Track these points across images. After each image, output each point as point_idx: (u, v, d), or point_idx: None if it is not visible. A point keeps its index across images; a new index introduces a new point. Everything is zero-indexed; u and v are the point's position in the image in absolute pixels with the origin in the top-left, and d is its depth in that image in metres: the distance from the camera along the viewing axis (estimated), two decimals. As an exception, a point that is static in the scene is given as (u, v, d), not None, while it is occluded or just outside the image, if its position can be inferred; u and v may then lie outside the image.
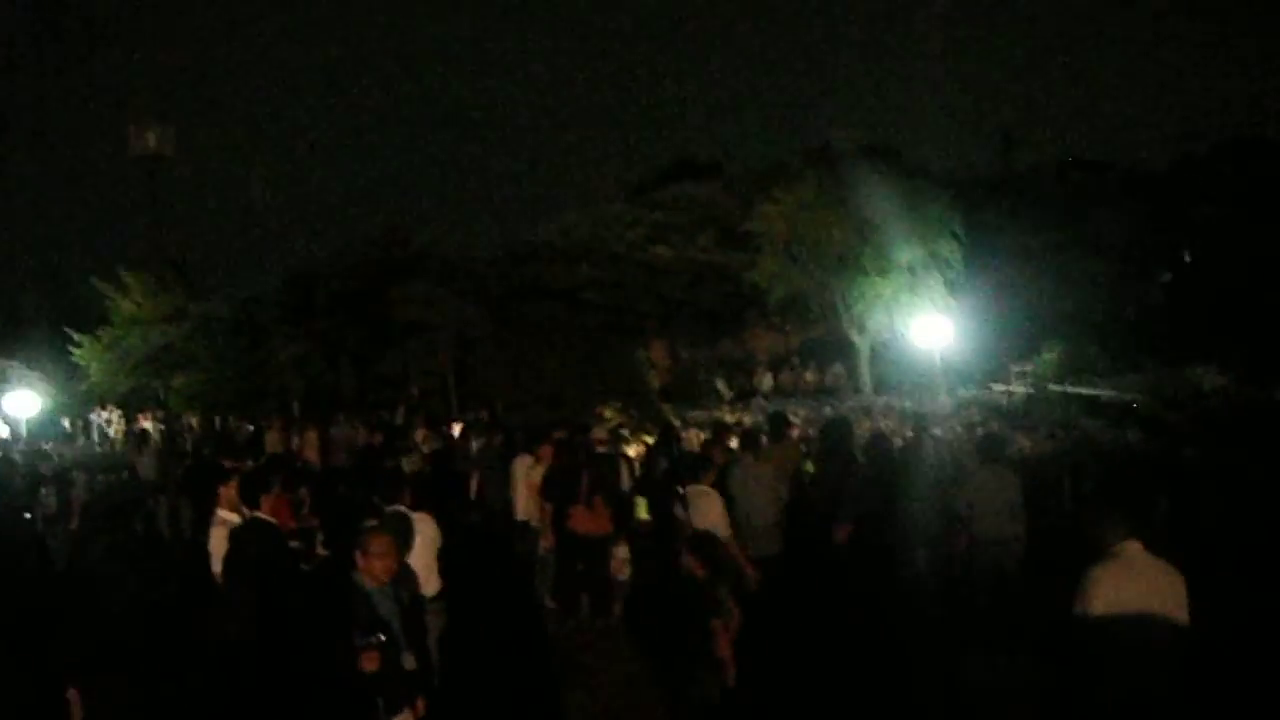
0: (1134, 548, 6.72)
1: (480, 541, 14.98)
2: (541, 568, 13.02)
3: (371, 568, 6.92)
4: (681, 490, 10.95)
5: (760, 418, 27.66)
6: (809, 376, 38.28)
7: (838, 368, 37.74)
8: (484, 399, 32.16)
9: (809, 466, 13.95)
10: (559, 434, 14.42)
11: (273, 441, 24.43)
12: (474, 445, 18.79)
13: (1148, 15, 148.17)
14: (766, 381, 38.29)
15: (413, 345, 37.44)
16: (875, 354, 36.37)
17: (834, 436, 13.53)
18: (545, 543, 12.82)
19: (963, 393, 32.04)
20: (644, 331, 35.88)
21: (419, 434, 21.05)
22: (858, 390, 35.75)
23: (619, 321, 34.58)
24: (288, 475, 11.17)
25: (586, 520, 11.81)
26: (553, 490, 12.54)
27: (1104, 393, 29.19)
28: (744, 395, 36.42)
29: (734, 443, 13.61)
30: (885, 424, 23.94)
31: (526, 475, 13.74)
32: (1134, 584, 6.60)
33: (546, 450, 13.42)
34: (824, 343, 39.65)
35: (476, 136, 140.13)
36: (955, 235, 34.69)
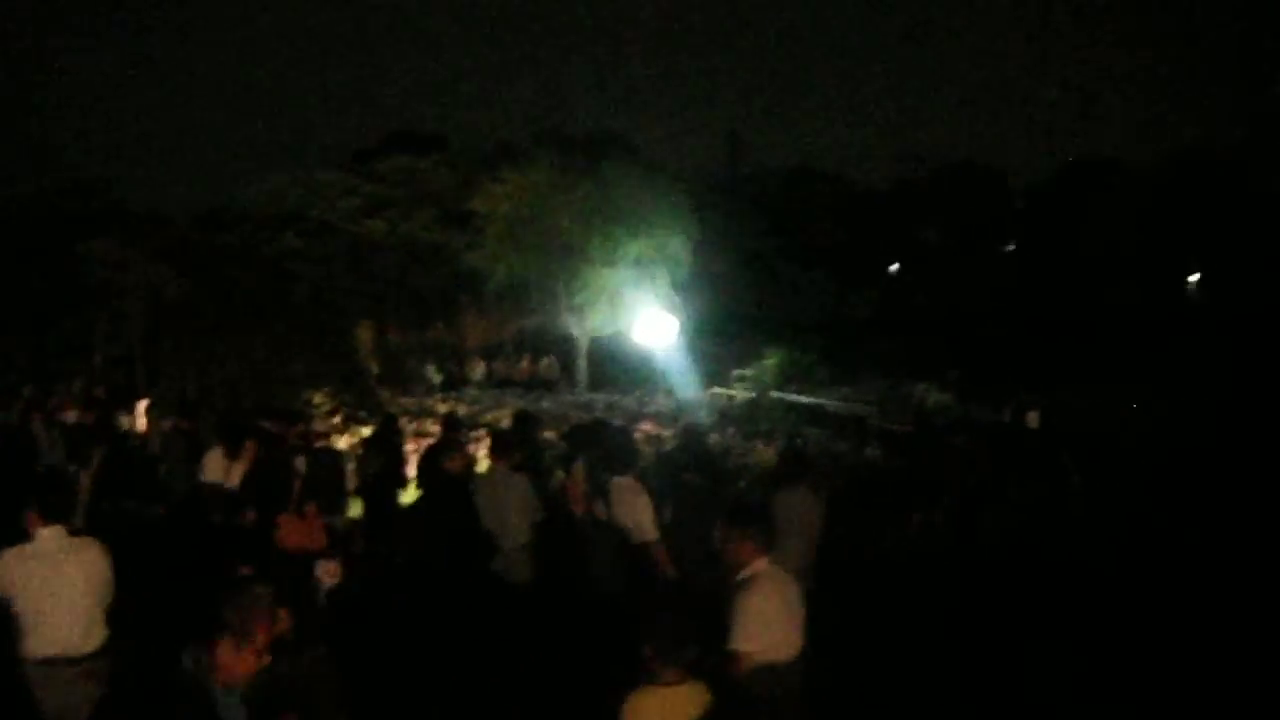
0: (765, 566, 6.47)
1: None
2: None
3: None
4: (606, 484, 9.15)
5: (470, 410, 25.93)
6: (523, 367, 36.65)
7: (552, 360, 36.24)
8: (176, 375, 28.85)
9: (560, 475, 12.13)
10: (266, 424, 12.06)
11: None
12: (161, 428, 16.28)
13: (875, 38, 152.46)
14: (479, 370, 36.44)
15: (98, 310, 33.80)
16: (593, 348, 34.98)
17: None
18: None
19: (684, 394, 30.91)
20: (352, 310, 33.47)
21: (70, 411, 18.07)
22: (574, 384, 34.28)
23: (327, 297, 32.10)
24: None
25: (297, 532, 9.55)
26: (255, 494, 10.27)
27: (828, 402, 28.67)
28: (455, 384, 34.48)
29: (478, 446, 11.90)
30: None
31: (224, 473, 11.25)
32: (771, 603, 6.33)
33: (249, 445, 11.06)
34: (539, 333, 38.14)
35: (180, 88, 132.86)
36: (686, 233, 33.57)
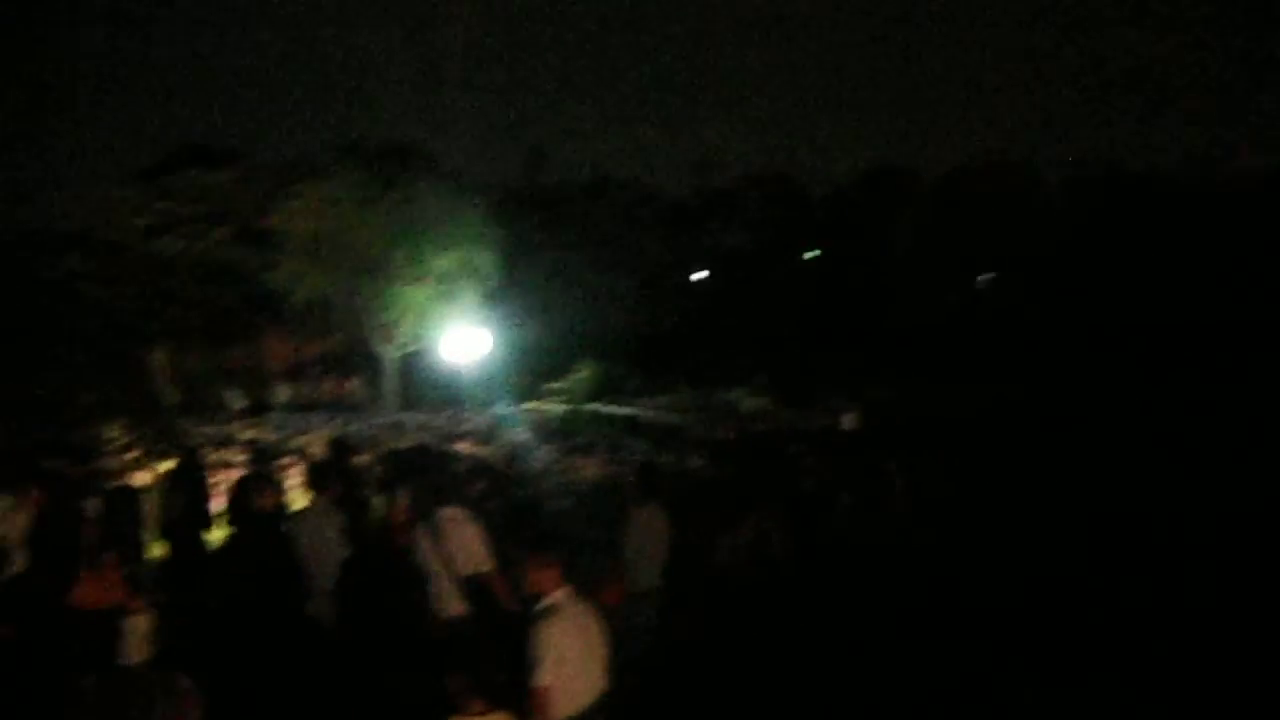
0: (565, 596, 6.32)
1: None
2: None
3: None
4: (433, 514, 8.49)
5: (277, 436, 24.93)
6: (327, 388, 35.54)
7: (360, 380, 35.24)
8: None
9: (377, 504, 11.41)
10: (52, 463, 10.96)
11: None
12: None
13: (673, 46, 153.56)
14: (283, 394, 35.19)
15: None
16: (401, 367, 34.08)
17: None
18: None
19: (498, 410, 30.31)
20: (147, 334, 31.85)
21: None
22: (382, 405, 33.33)
23: (119, 321, 30.47)
24: None
25: (93, 589, 8.58)
26: (43, 546, 9.27)
27: (643, 412, 28.45)
28: (258, 409, 33.14)
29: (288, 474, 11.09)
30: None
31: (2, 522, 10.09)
32: (570, 637, 6.14)
33: (32, 491, 9.93)
34: (343, 353, 37.03)
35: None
36: (494, 247, 32.94)
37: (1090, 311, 32.61)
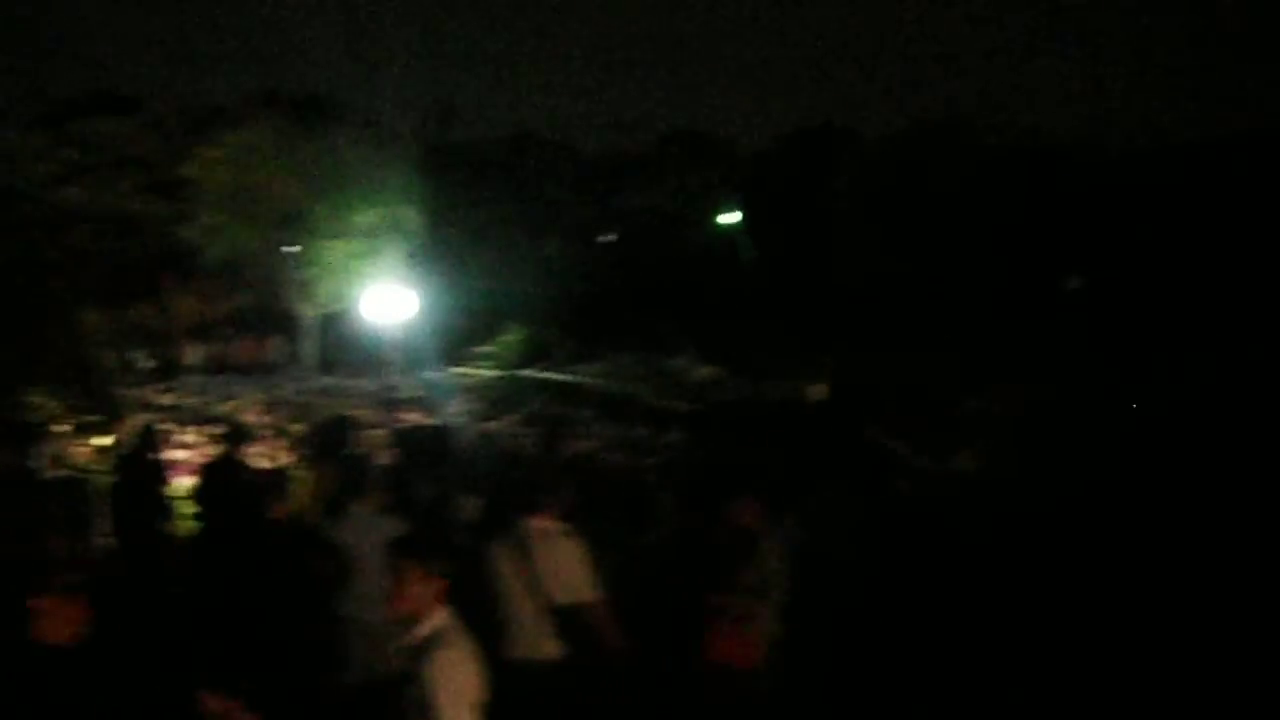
0: (448, 618, 5.26)
1: None
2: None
3: None
4: (516, 525, 7.07)
5: (198, 400, 23.48)
6: (242, 349, 33.96)
7: (277, 340, 33.71)
8: None
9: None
10: None
11: None
12: None
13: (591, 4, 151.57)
14: (193, 354, 33.52)
15: None
16: (321, 328, 32.60)
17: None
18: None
19: (425, 375, 29.08)
20: (52, 290, 29.93)
21: None
22: (301, 368, 31.87)
23: (27, 275, 28.61)
24: None
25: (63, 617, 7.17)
26: None
27: (585, 380, 27.35)
28: (167, 370, 31.47)
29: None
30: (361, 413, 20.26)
31: None
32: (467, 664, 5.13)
33: None
34: (257, 311, 35.38)
35: None
36: (418, 203, 31.58)
37: (1043, 271, 32.06)
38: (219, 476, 10.07)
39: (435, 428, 14.00)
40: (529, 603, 7.05)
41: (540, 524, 7.20)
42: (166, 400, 23.18)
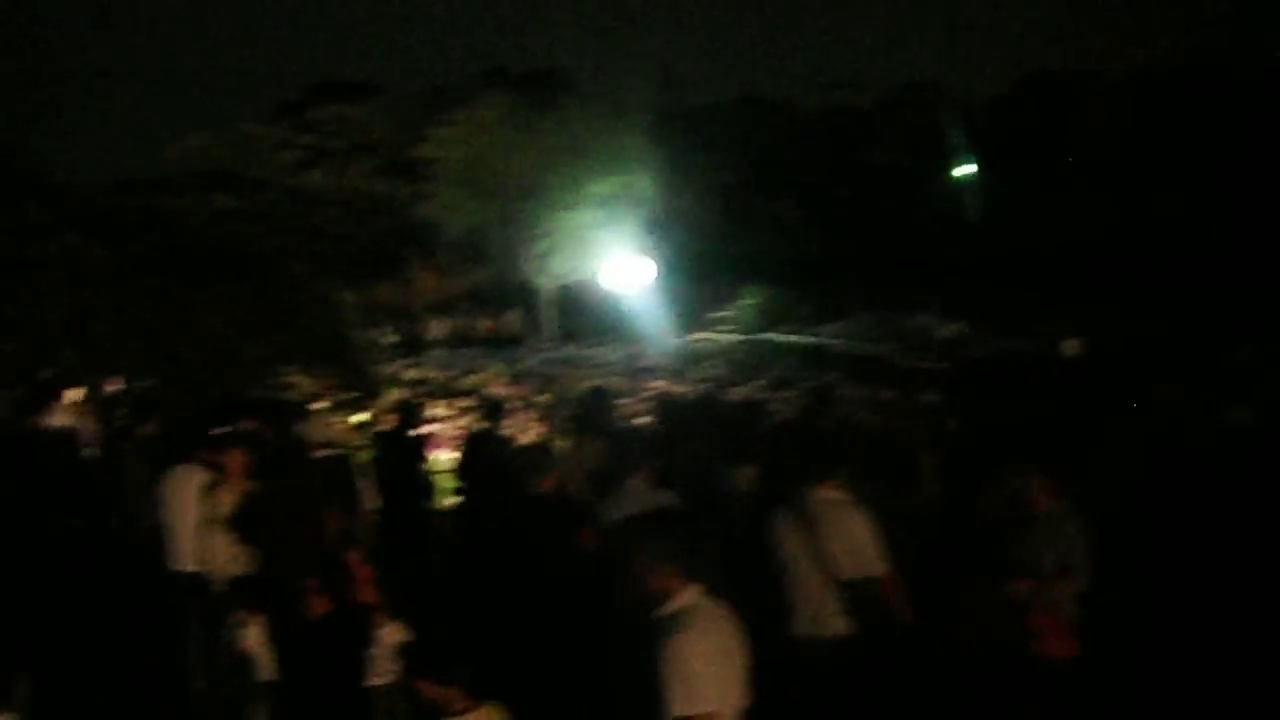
0: (695, 597, 4.80)
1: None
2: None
3: None
4: (802, 495, 6.64)
5: (444, 375, 23.63)
6: (481, 323, 34.43)
7: (515, 313, 34.03)
8: (110, 361, 25.41)
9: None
10: (249, 423, 9.18)
11: None
12: (97, 428, 13.57)
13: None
14: (435, 329, 34.12)
15: (13, 290, 30.87)
16: (559, 298, 32.77)
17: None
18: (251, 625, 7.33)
19: (666, 342, 28.82)
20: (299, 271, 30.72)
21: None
22: (541, 338, 32.10)
23: (278, 258, 29.49)
24: None
25: (360, 588, 6.99)
26: (262, 531, 7.67)
27: (827, 341, 26.68)
28: (411, 345, 32.04)
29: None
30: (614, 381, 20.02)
31: (200, 498, 8.33)
32: (706, 646, 4.65)
33: (235, 456, 8.13)
34: (495, 285, 35.80)
35: (81, 45, 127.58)
36: (651, 170, 31.40)
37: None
38: (479, 451, 9.87)
39: (697, 396, 13.55)
40: (815, 577, 6.57)
41: (826, 494, 6.67)
42: (413, 375, 23.42)
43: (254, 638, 7.44)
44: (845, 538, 6.49)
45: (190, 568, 8.37)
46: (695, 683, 4.56)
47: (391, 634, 6.48)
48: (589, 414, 9.71)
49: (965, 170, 42.74)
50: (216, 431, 8.79)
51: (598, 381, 16.41)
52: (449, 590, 9.22)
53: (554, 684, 6.88)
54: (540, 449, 7.93)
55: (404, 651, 5.22)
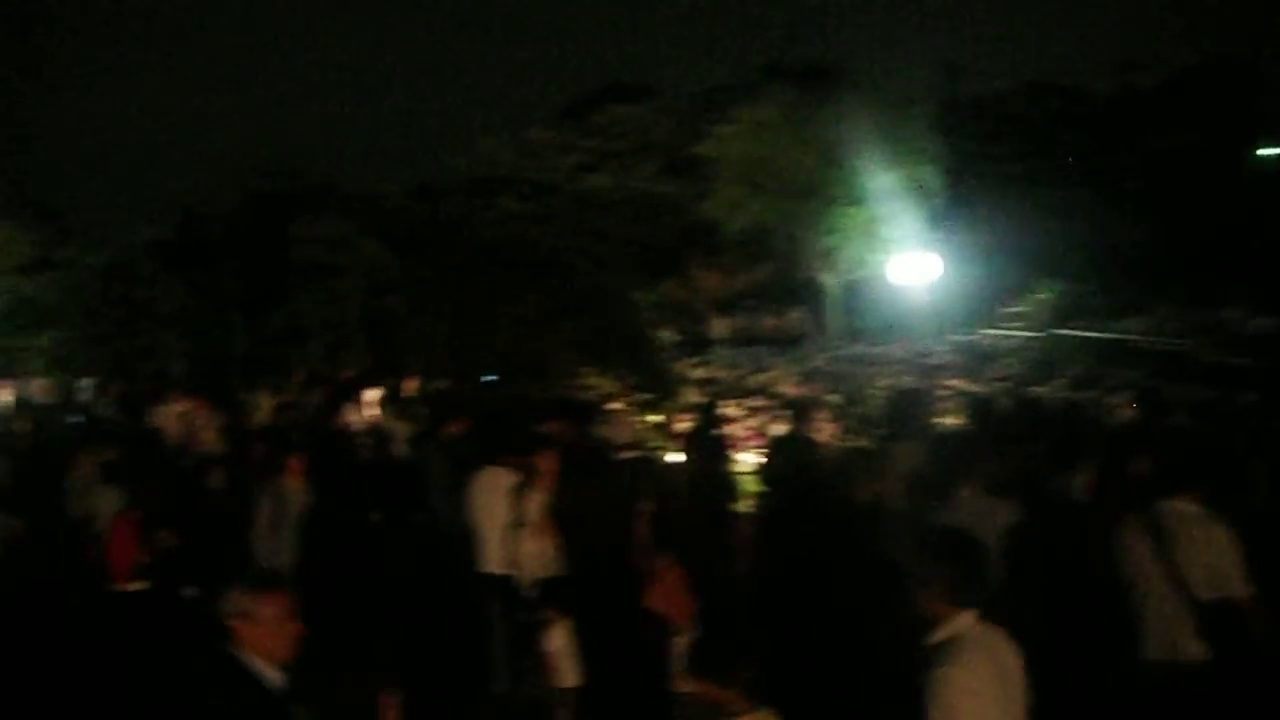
0: (969, 624, 4.49)
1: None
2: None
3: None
4: (1153, 507, 6.27)
5: (732, 374, 23.43)
6: (766, 321, 34.21)
7: (798, 311, 33.69)
8: (407, 363, 25.97)
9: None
10: (555, 425, 9.17)
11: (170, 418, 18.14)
12: (399, 427, 13.86)
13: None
14: (719, 328, 34.08)
15: (314, 294, 32.28)
16: (843, 295, 32.25)
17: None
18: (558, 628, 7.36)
19: (956, 339, 28.02)
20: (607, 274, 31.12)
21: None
22: (827, 337, 31.69)
23: (571, 259, 30.14)
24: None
25: (664, 597, 6.79)
26: (571, 533, 7.56)
27: (1127, 337, 25.39)
28: (696, 344, 32.09)
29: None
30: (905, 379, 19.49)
31: (509, 500, 8.30)
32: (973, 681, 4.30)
33: (546, 458, 8.13)
34: (778, 282, 35.51)
35: (373, 57, 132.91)
36: (934, 162, 30.60)
37: None
38: (785, 453, 9.56)
39: (1002, 395, 12.92)
40: (1171, 596, 6.04)
41: (1182, 507, 6.15)
42: (700, 374, 23.36)
43: (560, 640, 7.39)
44: (1206, 555, 5.96)
45: (498, 570, 8.42)
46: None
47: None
48: (901, 415, 9.31)
49: (1273, 150, 40.31)
50: (523, 433, 8.83)
51: (909, 381, 15.90)
52: (746, 593, 9.04)
53: (834, 702, 6.65)
54: (863, 454, 7.63)
55: (689, 650, 5.02)
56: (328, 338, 31.55)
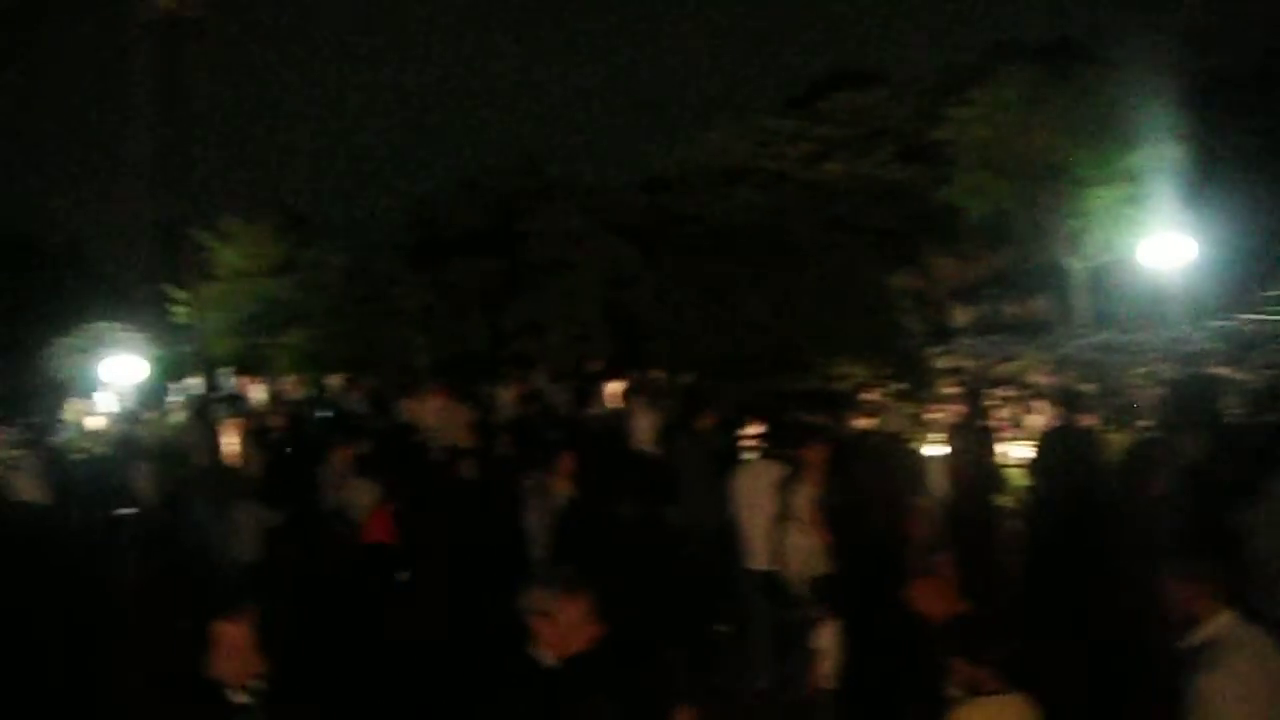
0: (1231, 623, 4.14)
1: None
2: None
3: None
4: None
5: (979, 363, 22.76)
6: (1008, 309, 33.30)
7: (1042, 298, 32.68)
8: (652, 355, 26.14)
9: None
10: (817, 419, 8.91)
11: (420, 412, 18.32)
12: (646, 419, 13.76)
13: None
14: (960, 316, 33.32)
15: (552, 288, 32.69)
16: (1090, 281, 31.12)
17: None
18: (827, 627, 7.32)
19: (1215, 325, 26.73)
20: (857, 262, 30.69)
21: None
22: (1071, 324, 30.63)
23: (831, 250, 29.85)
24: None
25: (932, 597, 6.43)
26: (842, 529, 7.27)
27: None
28: (937, 333, 31.39)
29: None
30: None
31: (775, 494, 8.07)
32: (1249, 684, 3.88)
33: (815, 450, 7.88)
34: (1021, 268, 34.51)
35: (598, 50, 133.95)
36: (1186, 138, 29.22)
37: None
38: (1061, 446, 9.09)
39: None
40: None
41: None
42: (945, 363, 22.73)
43: (827, 641, 7.15)
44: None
45: (763, 566, 8.26)
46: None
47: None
48: (1187, 404, 8.78)
49: None
50: (787, 425, 8.63)
51: (1194, 369, 15.13)
52: (1007, 578, 8.76)
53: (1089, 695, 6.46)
54: (1154, 445, 7.18)
55: (948, 627, 5.08)
56: (568, 331, 31.84)
